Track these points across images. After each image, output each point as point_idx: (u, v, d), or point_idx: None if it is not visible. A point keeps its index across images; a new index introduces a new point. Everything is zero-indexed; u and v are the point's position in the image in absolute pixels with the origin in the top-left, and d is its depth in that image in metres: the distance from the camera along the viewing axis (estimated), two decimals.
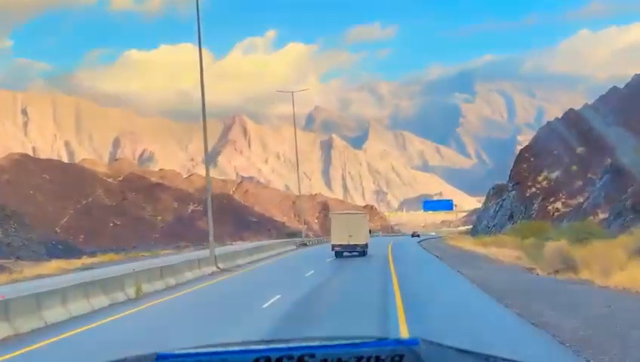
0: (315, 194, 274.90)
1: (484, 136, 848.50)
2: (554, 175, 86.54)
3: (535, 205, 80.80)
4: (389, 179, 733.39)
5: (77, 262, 62.16)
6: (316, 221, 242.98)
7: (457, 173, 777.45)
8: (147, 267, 35.78)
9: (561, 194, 77.73)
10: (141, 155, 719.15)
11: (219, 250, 55.72)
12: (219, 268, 39.02)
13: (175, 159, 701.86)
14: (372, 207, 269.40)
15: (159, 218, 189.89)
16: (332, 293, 24.99)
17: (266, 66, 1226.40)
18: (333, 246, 53.30)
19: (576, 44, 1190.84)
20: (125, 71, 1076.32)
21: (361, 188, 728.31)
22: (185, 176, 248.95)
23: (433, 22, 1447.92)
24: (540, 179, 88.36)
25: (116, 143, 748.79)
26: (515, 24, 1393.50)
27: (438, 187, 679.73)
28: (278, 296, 24.27)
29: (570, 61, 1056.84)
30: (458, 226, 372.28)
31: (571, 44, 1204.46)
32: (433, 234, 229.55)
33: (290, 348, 1.67)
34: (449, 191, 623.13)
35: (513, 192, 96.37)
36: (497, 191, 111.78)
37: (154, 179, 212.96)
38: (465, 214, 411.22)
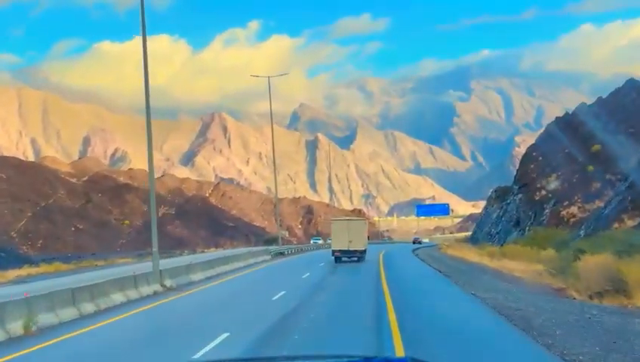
0: (299, 198, 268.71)
1: (480, 136, 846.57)
2: (566, 176, 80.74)
3: (546, 210, 75.00)
4: (379, 182, 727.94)
5: (10, 274, 55.38)
6: (299, 226, 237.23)
7: (451, 176, 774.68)
8: (91, 279, 29.71)
9: (576, 198, 71.93)
10: (113, 155, 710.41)
11: (174, 261, 49.58)
12: (164, 286, 32.60)
13: None
14: (360, 211, 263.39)
15: (126, 222, 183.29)
16: (300, 332, 18.62)
17: (247, 60, 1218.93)
18: (333, 252, 57.87)
19: (578, 40, 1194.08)
20: (96, 64, 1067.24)
21: (349, 192, 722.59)
22: (156, 177, 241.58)
23: (427, 14, 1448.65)
24: (550, 180, 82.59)
25: (86, 141, 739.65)
26: (514, 18, 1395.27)
27: (430, 191, 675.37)
28: (224, 335, 18.05)
29: (571, 58, 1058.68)
30: (453, 233, 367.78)
31: (573, 39, 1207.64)
32: (427, 241, 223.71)
33: None
34: (442, 196, 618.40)
35: (519, 196, 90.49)
36: (500, 195, 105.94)
37: (122, 180, 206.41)
38: (460, 220, 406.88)
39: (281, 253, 73.07)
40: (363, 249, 57.76)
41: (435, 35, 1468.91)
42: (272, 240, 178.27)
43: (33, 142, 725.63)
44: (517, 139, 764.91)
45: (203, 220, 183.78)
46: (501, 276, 38.34)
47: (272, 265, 54.02)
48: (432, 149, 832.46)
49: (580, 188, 73.52)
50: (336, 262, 56.60)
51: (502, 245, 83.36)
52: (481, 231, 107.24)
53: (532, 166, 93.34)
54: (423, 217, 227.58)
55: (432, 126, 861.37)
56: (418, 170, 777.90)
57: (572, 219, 67.06)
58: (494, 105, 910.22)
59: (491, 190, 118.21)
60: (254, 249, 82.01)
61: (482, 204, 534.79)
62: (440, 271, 41.16)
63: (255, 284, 35.40)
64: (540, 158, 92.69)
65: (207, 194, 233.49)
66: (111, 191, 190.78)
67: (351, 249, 56.93)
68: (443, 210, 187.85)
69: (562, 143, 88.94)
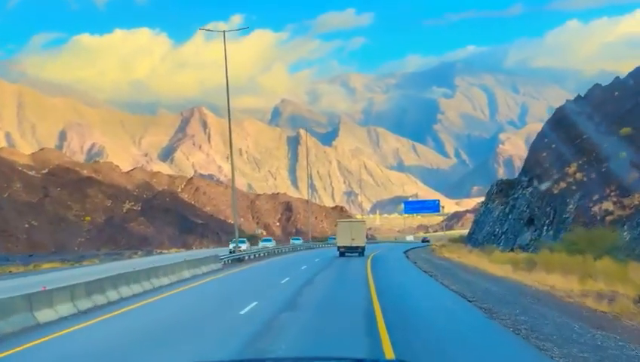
0: (277, 194, 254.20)
1: (464, 134, 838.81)
2: (590, 165, 66.55)
3: (570, 206, 60.81)
4: (361, 179, 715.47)
5: None
6: (277, 224, 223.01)
7: (435, 173, 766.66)
8: None
9: (608, 191, 57.90)
10: (90, 149, 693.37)
11: (111, 266, 35.32)
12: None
13: (127, 154, 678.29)
14: (342, 208, 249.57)
15: (87, 218, 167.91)
16: None
17: (229, 55, 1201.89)
18: (338, 248, 69.92)
19: (564, 36, 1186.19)
20: (75, 57, 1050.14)
21: (331, 189, 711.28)
22: (125, 171, 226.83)
23: (412, 9, 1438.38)
24: (570, 170, 68.28)
25: (62, 136, 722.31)
26: (501, 13, 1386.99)
27: (413, 188, 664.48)
28: None
29: (557, 54, 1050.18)
30: (437, 231, 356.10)
31: (558, 36, 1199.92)
32: (411, 239, 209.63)
33: None
34: (426, 193, 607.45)
35: (529, 189, 76.21)
36: (503, 189, 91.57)
37: (85, 173, 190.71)
38: (443, 218, 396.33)
39: (239, 260, 56.70)
40: (363, 245, 70.04)
41: (419, 30, 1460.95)
42: (248, 239, 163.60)
43: (7, 136, 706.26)
44: (501, 136, 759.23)
45: (170, 217, 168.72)
46: (551, 302, 23.99)
47: (224, 278, 39.00)
48: (416, 146, 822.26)
49: (612, 179, 59.55)
50: (340, 256, 67.42)
51: (512, 248, 68.95)
52: (480, 231, 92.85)
53: (544, 154, 79.10)
54: (405, 215, 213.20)
55: (416, 123, 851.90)
56: (401, 167, 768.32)
57: (608, 218, 53.19)
58: (478, 102, 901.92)
59: (492, 183, 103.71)
60: (203, 254, 67.29)
61: (467, 202, 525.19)
62: (457, 293, 26.71)
63: (174, 318, 20.37)
64: (554, 145, 78.44)
65: (180, 190, 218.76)
66: (72, 185, 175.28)
67: (353, 245, 68.78)
68: (433, 206, 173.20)
69: (581, 126, 74.80)
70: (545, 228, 64.82)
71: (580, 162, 69.07)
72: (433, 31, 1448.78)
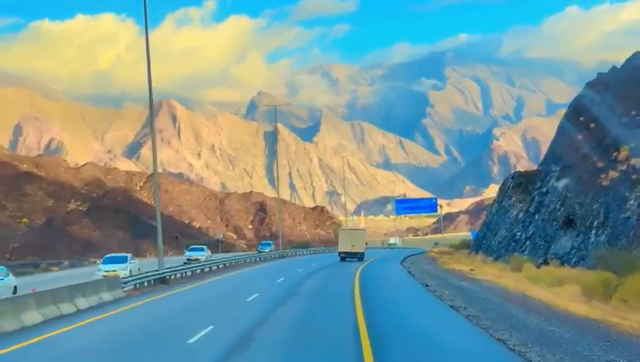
0: (250, 193, 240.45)
1: (456, 129, 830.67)
2: None
3: (631, 201, 47.44)
4: (345, 177, 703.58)
5: None
6: (250, 226, 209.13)
7: (424, 171, 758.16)
8: None
9: None
10: (48, 145, 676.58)
11: None
12: None
13: (89, 150, 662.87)
14: (322, 208, 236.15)
15: (24, 220, 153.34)
16: None
17: (201, 43, 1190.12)
18: (339, 253, 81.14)
19: (563, 24, 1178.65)
20: (32, 45, 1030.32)
21: (312, 188, 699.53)
22: (74, 166, 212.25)
23: None
24: (620, 155, 54.88)
25: (17, 130, 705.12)
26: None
27: (401, 188, 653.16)
28: None
29: (554, 44, 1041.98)
30: (427, 234, 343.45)
31: (557, 23, 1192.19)
32: (395, 242, 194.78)
33: None
34: (414, 193, 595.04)
35: (563, 182, 62.45)
36: (522, 183, 77.71)
37: (25, 167, 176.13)
38: (434, 220, 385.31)
39: (162, 280, 40.42)
40: (362, 251, 79.72)
41: (408, 17, 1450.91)
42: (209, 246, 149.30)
43: None
44: (495, 132, 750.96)
45: (121, 219, 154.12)
46: None
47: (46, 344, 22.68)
48: (403, 142, 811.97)
49: None
50: (341, 261, 76.81)
51: (546, 259, 54.99)
52: (494, 235, 78.91)
53: (580, 136, 65.36)
54: (398, 216, 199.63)
55: (403, 117, 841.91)
56: (387, 165, 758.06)
57: None
58: (471, 94, 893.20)
59: (508, 176, 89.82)
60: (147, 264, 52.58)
61: (459, 202, 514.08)
62: None
63: None
64: (593, 125, 64.71)
65: (138, 188, 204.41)
66: (8, 182, 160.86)
67: (353, 251, 78.72)
68: (429, 206, 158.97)
69: (630, 98, 61.20)
70: (593, 231, 50.95)
71: (633, 145, 55.57)
72: (423, 17, 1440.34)
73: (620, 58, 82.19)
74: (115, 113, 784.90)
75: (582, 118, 67.72)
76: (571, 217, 56.48)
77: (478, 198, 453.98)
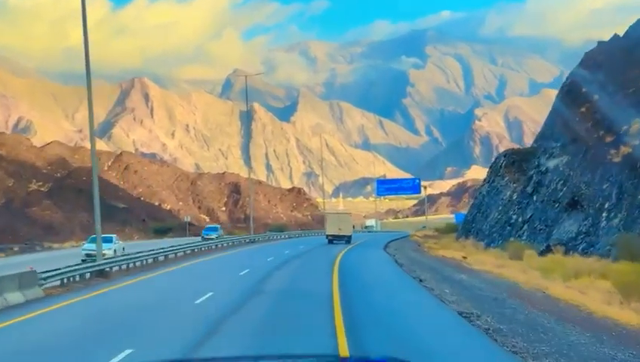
0: (224, 173, 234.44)
1: (437, 108, 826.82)
2: None
3: None
4: (323, 158, 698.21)
5: None
6: (223, 208, 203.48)
7: (404, 152, 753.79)
8: None
9: None
10: (16, 124, 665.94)
11: None
12: None
13: (59, 129, 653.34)
14: (300, 190, 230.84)
15: None
16: None
17: (174, 19, 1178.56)
18: (327, 236, 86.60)
19: (547, 2, 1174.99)
20: (1, 21, 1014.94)
21: (289, 169, 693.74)
22: (39, 145, 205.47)
23: None
24: (633, 128, 49.74)
25: None
26: None
27: (381, 169, 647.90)
28: None
29: (538, 22, 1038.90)
30: (407, 217, 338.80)
31: (541, 1, 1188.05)
32: (372, 224, 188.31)
33: None
34: (394, 174, 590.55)
35: (565, 158, 57.25)
36: (516, 161, 72.43)
37: None
38: (414, 203, 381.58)
39: (101, 273, 33.57)
40: (349, 234, 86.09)
41: None
42: (172, 229, 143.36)
43: None
44: (477, 111, 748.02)
45: (84, 200, 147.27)
46: None
47: None
48: (383, 123, 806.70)
49: None
50: (329, 243, 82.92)
51: (548, 246, 49.74)
52: (485, 219, 73.70)
53: (582, 109, 60.13)
54: (378, 198, 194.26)
55: (383, 96, 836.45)
56: (367, 146, 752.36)
57: None
58: (452, 73, 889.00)
59: (499, 155, 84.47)
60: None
61: (440, 184, 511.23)
62: None
63: None
64: (596, 97, 59.45)
65: (106, 168, 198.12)
66: None
67: (340, 234, 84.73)
68: (412, 187, 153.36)
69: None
70: (604, 214, 45.71)
71: None
72: None
73: (605, 36, 77.56)
74: (86, 91, 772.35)
75: (584, 90, 62.47)
76: (576, 198, 51.29)
77: (459, 180, 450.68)
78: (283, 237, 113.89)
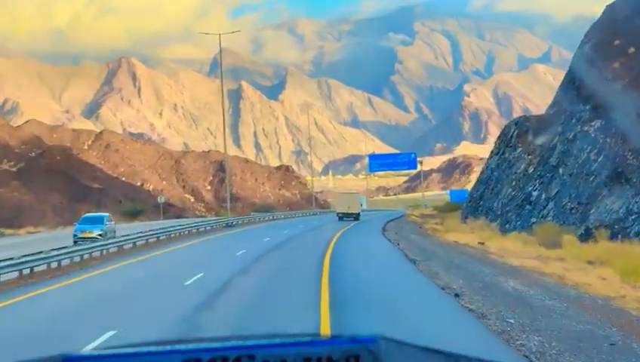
0: (209, 152, 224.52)
1: (426, 85, 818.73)
2: None
3: None
4: (311, 136, 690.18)
5: None
6: (209, 187, 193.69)
7: (393, 129, 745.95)
8: None
9: None
10: (2, 106, 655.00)
11: None
12: None
13: (46, 110, 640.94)
14: (288, 168, 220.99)
15: None
16: None
17: None
18: (337, 214, 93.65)
19: None
20: None
21: (278, 147, 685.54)
22: (15, 124, 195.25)
23: None
24: None
25: None
26: None
27: (370, 146, 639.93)
28: None
29: None
30: (398, 194, 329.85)
31: None
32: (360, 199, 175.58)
33: (225, 348, 1.58)
34: (384, 151, 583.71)
35: (596, 123, 47.32)
36: (528, 130, 62.49)
37: None
38: (405, 179, 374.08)
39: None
40: (358, 212, 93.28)
41: None
42: (143, 211, 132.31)
43: None
44: (466, 87, 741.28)
45: (57, 181, 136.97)
46: None
47: None
48: (372, 100, 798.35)
49: None
50: (339, 220, 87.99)
51: (588, 229, 39.66)
52: (495, 196, 63.75)
53: (615, 65, 50.11)
54: (371, 175, 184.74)
55: (372, 74, 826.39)
56: (356, 123, 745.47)
57: None
58: (441, 50, 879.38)
59: (510, 123, 74.21)
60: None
61: (430, 160, 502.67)
62: None
63: None
64: (632, 50, 49.50)
65: (86, 147, 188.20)
66: None
67: (349, 212, 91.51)
68: (408, 162, 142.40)
69: None
70: None
71: None
72: None
73: (595, 11, 68.18)
74: (74, 71, 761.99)
75: (617, 42, 52.29)
76: (620, 170, 41.19)
77: (449, 156, 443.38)
78: (268, 218, 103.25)
